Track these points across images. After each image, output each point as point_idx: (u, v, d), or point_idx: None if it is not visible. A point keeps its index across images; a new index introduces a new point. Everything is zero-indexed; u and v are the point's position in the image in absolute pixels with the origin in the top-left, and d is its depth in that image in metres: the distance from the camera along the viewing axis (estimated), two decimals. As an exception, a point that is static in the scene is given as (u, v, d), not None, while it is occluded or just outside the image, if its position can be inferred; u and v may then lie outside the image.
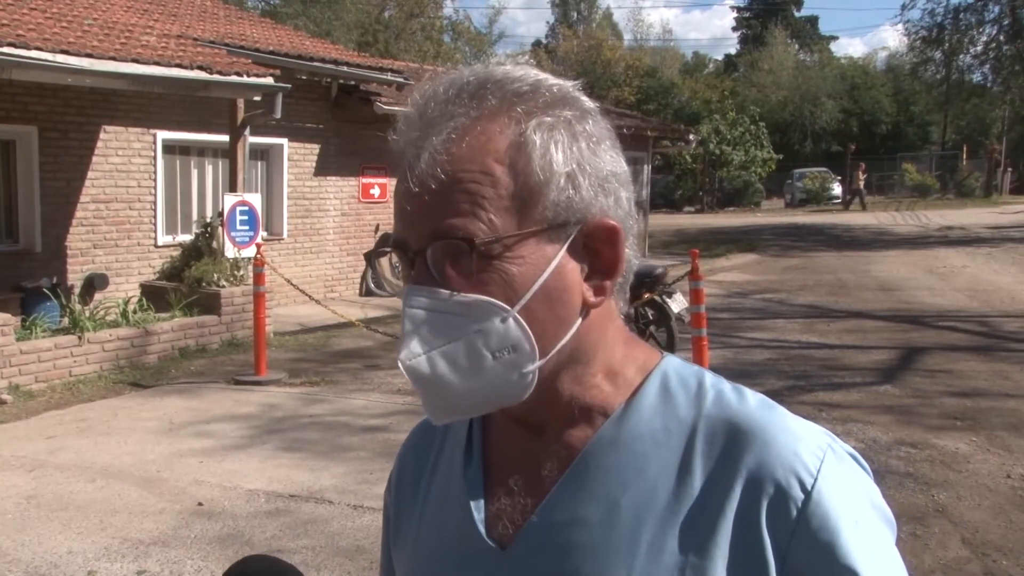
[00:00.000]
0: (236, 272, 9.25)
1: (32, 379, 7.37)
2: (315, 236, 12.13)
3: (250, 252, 8.57)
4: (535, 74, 0.78)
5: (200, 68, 8.73)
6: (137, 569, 4.00)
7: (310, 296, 9.13)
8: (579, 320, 0.77)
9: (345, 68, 11.61)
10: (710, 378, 0.81)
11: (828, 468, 0.74)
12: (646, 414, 0.79)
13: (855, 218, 27.35)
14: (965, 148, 42.18)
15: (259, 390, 7.33)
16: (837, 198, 35.99)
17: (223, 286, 9.10)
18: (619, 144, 0.80)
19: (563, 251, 0.75)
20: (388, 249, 0.82)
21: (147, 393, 7.31)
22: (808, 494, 0.72)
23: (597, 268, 0.77)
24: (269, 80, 9.33)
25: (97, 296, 9.24)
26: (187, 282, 9.17)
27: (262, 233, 9.59)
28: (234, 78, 8.95)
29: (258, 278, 7.86)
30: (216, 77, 8.76)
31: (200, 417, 6.49)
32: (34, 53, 7.48)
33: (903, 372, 7.70)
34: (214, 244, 9.35)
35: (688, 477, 0.76)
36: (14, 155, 9.19)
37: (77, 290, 9.28)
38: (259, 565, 1.13)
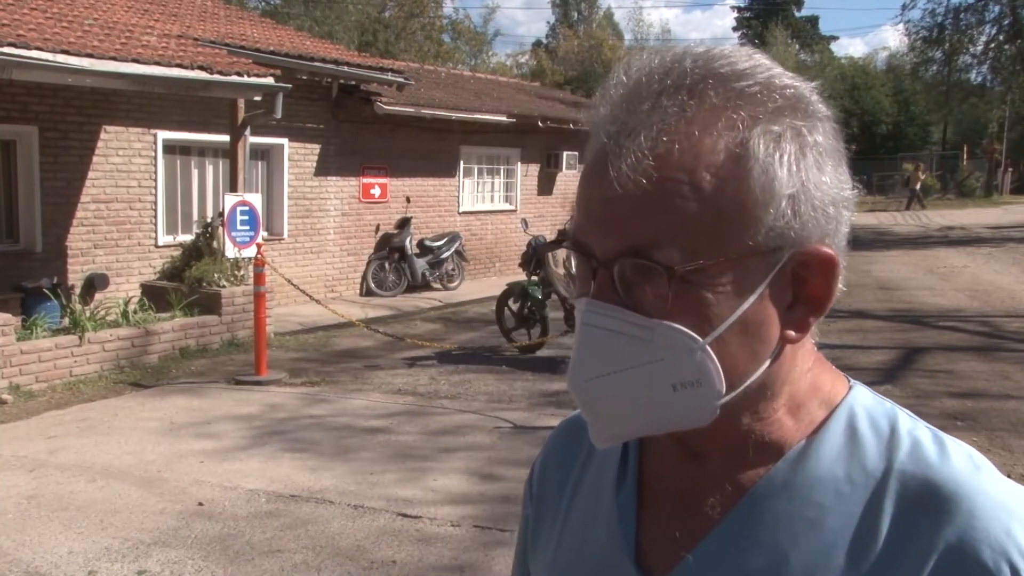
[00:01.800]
0: (236, 272, 9.25)
1: (32, 379, 7.37)
2: (315, 236, 12.13)
3: (250, 252, 8.57)
4: (766, 69, 0.67)
5: (200, 68, 8.73)
6: (137, 569, 4.00)
7: (310, 296, 9.13)
8: (772, 355, 0.68)
9: (345, 68, 11.61)
10: (905, 421, 0.71)
11: None
12: (827, 459, 0.69)
13: (857, 218, 27.28)
14: (965, 148, 42.19)
15: (260, 390, 7.33)
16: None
17: (224, 286, 9.10)
18: (846, 161, 0.71)
19: (768, 280, 0.66)
20: (562, 242, 0.72)
21: (148, 393, 7.31)
22: None
23: (802, 300, 0.68)
24: (270, 80, 9.33)
25: (97, 296, 9.24)
26: (187, 282, 9.17)
27: (262, 233, 9.59)
28: (235, 78, 8.95)
29: (258, 278, 7.87)
30: (216, 77, 8.76)
31: (201, 417, 6.49)
32: (35, 53, 7.48)
33: (904, 372, 7.70)
34: (215, 244, 9.35)
35: (872, 541, 0.66)
36: (14, 155, 9.19)
37: (77, 290, 9.28)
38: None
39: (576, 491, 0.84)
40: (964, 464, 0.67)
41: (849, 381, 0.75)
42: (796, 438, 0.71)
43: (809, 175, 0.66)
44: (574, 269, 0.73)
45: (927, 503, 0.65)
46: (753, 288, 0.66)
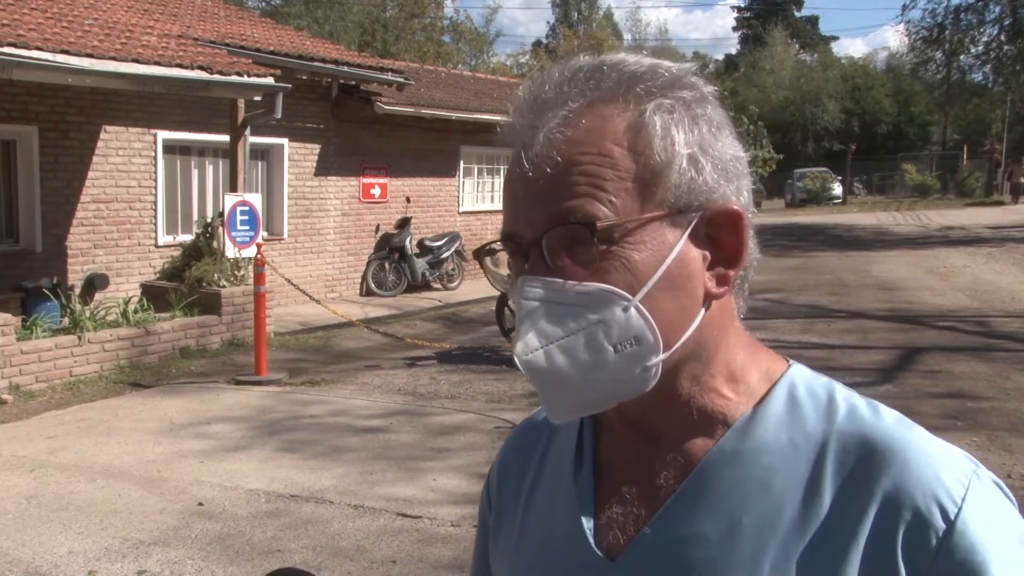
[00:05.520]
0: (236, 272, 9.25)
1: (32, 379, 7.37)
2: (315, 236, 12.13)
3: (250, 252, 8.57)
4: (651, 60, 0.75)
5: (201, 68, 8.73)
6: (137, 569, 4.00)
7: (310, 296, 9.14)
8: (702, 311, 0.73)
9: (346, 68, 11.61)
10: (841, 391, 0.76)
11: (973, 497, 0.68)
12: (772, 426, 0.74)
13: (858, 218, 27.33)
14: (966, 148, 42.16)
15: (259, 390, 7.33)
16: (838, 198, 36.01)
17: (224, 286, 9.11)
18: (732, 130, 0.77)
19: (685, 237, 0.72)
20: (497, 247, 0.79)
21: (147, 393, 7.31)
22: (951, 524, 0.67)
23: (720, 257, 0.74)
24: (270, 80, 9.34)
25: (97, 296, 9.24)
26: (188, 282, 9.17)
27: (262, 233, 9.59)
28: (235, 78, 8.95)
29: (258, 278, 7.87)
30: (217, 77, 8.76)
31: (200, 417, 6.49)
32: (35, 53, 7.48)
33: (903, 372, 7.70)
34: (215, 244, 9.35)
35: (817, 497, 0.71)
36: (15, 155, 9.19)
37: (77, 290, 9.28)
38: None
39: (536, 484, 0.87)
40: (896, 421, 0.73)
41: (788, 360, 0.80)
42: (740, 410, 0.76)
43: (704, 138, 0.73)
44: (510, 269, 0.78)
45: (866, 457, 0.71)
46: (672, 246, 0.71)
